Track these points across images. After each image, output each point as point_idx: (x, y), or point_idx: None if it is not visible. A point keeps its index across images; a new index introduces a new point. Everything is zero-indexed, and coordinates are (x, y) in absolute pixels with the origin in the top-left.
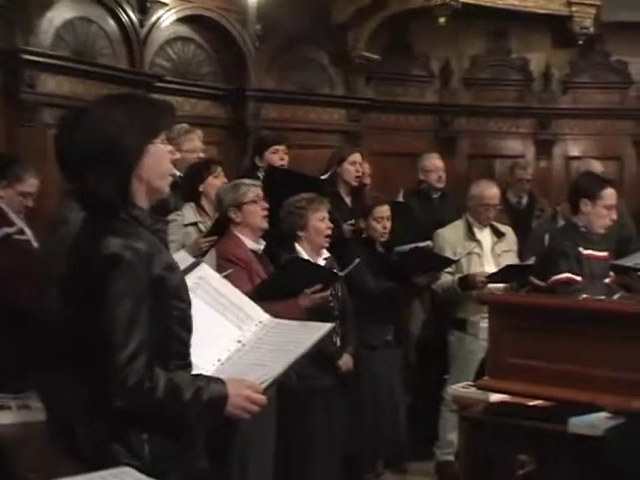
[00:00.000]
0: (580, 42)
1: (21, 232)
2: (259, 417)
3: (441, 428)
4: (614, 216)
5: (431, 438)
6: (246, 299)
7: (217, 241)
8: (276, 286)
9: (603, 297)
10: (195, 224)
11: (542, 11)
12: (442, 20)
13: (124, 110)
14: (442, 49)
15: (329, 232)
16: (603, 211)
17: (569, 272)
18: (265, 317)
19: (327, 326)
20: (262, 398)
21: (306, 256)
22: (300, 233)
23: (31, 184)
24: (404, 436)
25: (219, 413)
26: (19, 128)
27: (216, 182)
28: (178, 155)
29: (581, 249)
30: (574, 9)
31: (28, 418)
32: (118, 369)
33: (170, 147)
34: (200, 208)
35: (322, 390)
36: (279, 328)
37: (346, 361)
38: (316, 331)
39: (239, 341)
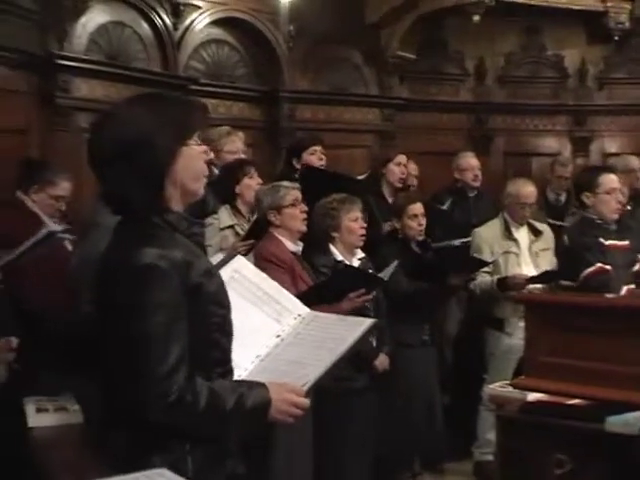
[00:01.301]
0: (615, 38)
1: (66, 232)
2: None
3: (479, 428)
4: (620, 198)
5: (469, 438)
6: (284, 291)
7: (255, 244)
8: (323, 293)
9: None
10: (232, 227)
11: (577, 7)
12: (476, 18)
13: (152, 110)
14: (476, 47)
15: (363, 232)
16: (605, 197)
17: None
18: (303, 310)
19: (368, 321)
20: (305, 401)
21: (340, 257)
22: (334, 234)
23: (63, 188)
24: (441, 436)
25: (263, 418)
26: (54, 133)
27: (251, 183)
28: (212, 155)
29: (602, 240)
30: (609, 4)
31: (65, 420)
32: (158, 383)
33: (204, 147)
34: (236, 210)
35: (358, 391)
36: (318, 322)
37: (382, 361)
38: (357, 327)
39: (278, 335)
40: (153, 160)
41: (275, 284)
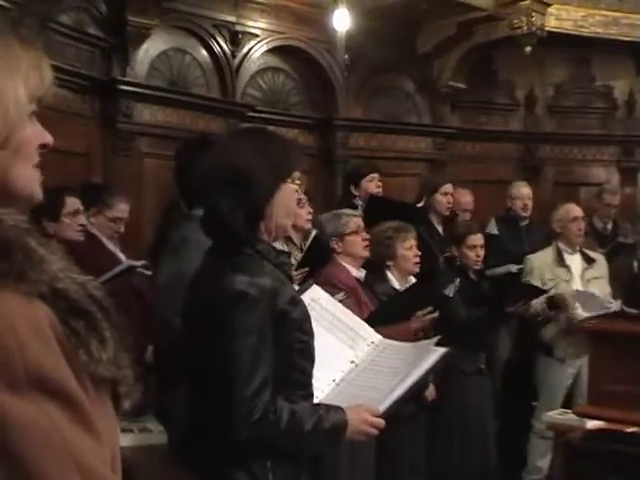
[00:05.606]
0: None
1: (146, 267)
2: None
3: (530, 454)
4: None
5: (516, 463)
6: (357, 319)
7: (308, 272)
8: (392, 311)
9: None
10: None
11: (626, 38)
12: (528, 49)
13: (258, 145)
14: (526, 77)
15: (417, 259)
16: None
17: None
18: (376, 337)
19: (441, 350)
20: (381, 421)
21: (396, 283)
22: (389, 262)
23: (120, 210)
24: (494, 462)
25: (340, 438)
26: (115, 157)
27: (301, 212)
28: (302, 196)
29: None
30: None
31: (149, 441)
32: (244, 403)
33: (296, 186)
34: (287, 238)
35: (408, 417)
36: (391, 349)
37: (431, 392)
38: (430, 355)
39: (352, 361)
40: (256, 193)
41: (349, 312)
